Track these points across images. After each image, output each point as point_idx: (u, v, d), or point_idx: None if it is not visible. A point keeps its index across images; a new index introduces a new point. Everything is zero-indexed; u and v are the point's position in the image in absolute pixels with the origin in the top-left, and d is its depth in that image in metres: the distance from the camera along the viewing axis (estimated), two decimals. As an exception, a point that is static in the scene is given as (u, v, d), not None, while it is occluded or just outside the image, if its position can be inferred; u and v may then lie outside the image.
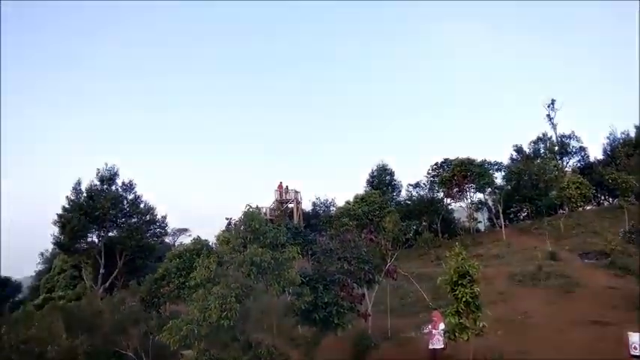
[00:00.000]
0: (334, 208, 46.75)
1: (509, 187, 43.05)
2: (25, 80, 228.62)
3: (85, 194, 39.18)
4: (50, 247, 49.43)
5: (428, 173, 46.90)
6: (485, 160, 43.23)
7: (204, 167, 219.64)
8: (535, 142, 53.55)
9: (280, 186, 45.87)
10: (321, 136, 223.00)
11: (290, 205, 45.91)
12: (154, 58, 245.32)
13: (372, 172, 50.17)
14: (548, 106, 54.52)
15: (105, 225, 39.15)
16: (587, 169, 48.17)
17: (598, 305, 19.57)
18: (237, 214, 44.97)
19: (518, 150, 53.27)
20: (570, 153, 52.23)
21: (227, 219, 45.44)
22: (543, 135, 53.69)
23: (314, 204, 50.07)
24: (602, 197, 49.55)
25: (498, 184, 42.97)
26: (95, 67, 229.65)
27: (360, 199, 42.03)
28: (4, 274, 54.77)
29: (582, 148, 52.00)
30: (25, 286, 57.96)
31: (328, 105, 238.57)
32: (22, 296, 54.90)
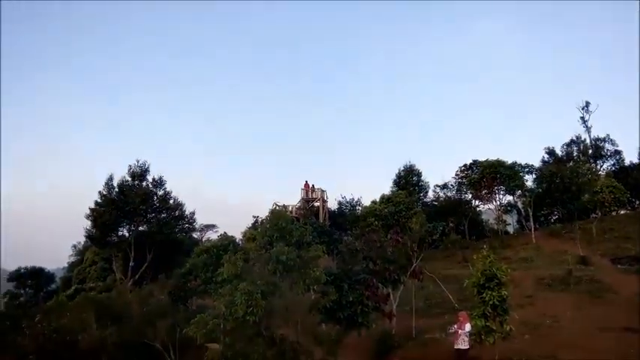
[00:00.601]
0: (360, 208, 46.56)
1: (540, 190, 42.11)
2: (61, 80, 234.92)
3: (116, 189, 40.01)
4: (83, 239, 50.62)
5: (456, 174, 46.30)
6: (516, 163, 42.52)
7: (233, 164, 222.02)
8: (568, 145, 52.26)
9: (306, 185, 46.01)
10: (350, 135, 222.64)
11: (316, 204, 45.98)
12: (182, 56, 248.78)
13: (399, 173, 49.69)
14: (583, 109, 53.21)
15: (135, 219, 39.94)
16: (621, 172, 46.73)
17: (629, 311, 19.02)
18: (263, 212, 45.39)
19: (551, 152, 52.04)
20: (605, 156, 50.76)
21: (254, 217, 46.11)
22: (577, 138, 52.39)
23: (340, 203, 49.90)
24: (637, 202, 48.03)
25: (529, 186, 42.13)
26: (129, 63, 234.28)
27: (386, 200, 41.76)
28: (38, 264, 56.77)
29: (617, 152, 50.52)
30: (58, 277, 59.70)
31: (357, 104, 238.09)
32: (54, 286, 56.61)
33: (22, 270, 54.97)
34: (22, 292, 54.35)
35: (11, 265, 58.17)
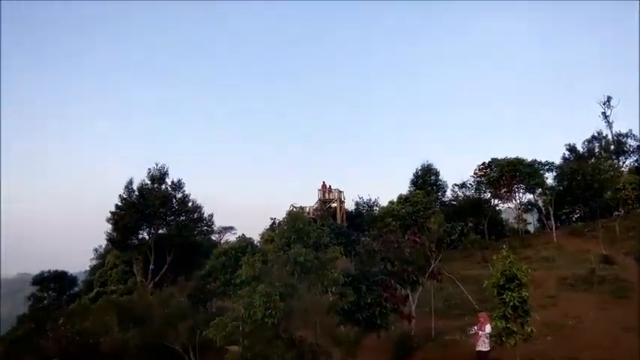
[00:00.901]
0: (377, 209, 46.31)
1: (560, 188, 41.44)
2: (79, 86, 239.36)
3: (136, 192, 40.54)
4: (104, 243, 51.32)
5: (475, 173, 45.78)
6: (536, 160, 41.87)
7: (250, 167, 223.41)
8: (589, 141, 51.38)
9: (324, 186, 45.98)
10: (367, 137, 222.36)
11: (333, 205, 45.93)
12: (201, 65, 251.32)
13: (417, 172, 49.31)
14: (604, 104, 52.26)
15: (155, 222, 40.41)
16: (645, 169, 45.72)
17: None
18: (280, 213, 45.51)
19: (572, 149, 51.19)
20: (627, 152, 49.77)
21: (271, 219, 46.25)
22: (598, 134, 51.50)
23: (357, 204, 49.65)
24: (662, 199, 46.93)
25: (549, 184, 41.48)
26: (148, 70, 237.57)
27: (403, 200, 41.44)
28: (60, 268, 57.70)
29: (640, 147, 49.48)
30: (80, 280, 60.63)
31: (374, 105, 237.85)
32: (77, 289, 57.50)
33: (46, 274, 55.85)
34: (46, 295, 55.21)
35: (34, 269, 59.16)
